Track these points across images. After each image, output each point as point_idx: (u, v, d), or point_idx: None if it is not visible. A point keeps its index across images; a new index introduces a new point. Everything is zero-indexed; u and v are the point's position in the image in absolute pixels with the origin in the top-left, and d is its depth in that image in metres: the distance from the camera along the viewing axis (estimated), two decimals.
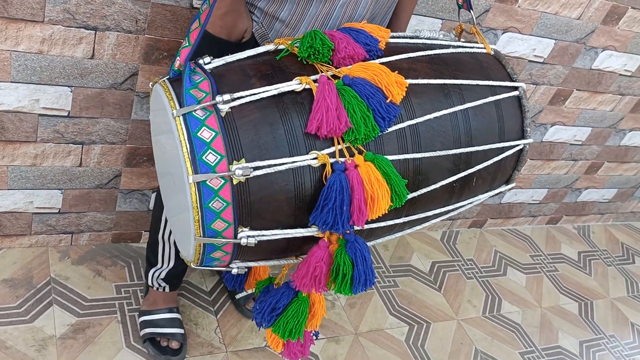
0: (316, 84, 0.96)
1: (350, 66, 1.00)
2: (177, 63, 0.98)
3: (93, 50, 1.38)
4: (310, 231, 0.99)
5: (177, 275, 1.64)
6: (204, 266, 1.02)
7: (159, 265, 1.60)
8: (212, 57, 1.01)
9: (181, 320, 1.66)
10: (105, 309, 1.67)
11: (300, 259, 1.09)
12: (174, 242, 1.54)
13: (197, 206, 0.91)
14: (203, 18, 0.98)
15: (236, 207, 0.92)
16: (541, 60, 2.02)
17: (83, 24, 1.32)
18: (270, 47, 1.05)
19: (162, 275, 1.60)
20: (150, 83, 1.07)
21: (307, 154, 0.95)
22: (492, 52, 1.20)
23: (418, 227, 1.16)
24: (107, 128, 1.55)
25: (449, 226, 2.49)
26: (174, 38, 1.44)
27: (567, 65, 2.08)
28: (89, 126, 1.53)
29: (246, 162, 0.92)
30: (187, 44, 0.98)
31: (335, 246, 1.00)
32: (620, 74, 2.26)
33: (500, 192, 1.23)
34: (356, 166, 0.95)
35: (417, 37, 1.17)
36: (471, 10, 1.21)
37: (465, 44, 1.17)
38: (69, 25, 1.31)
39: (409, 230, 1.16)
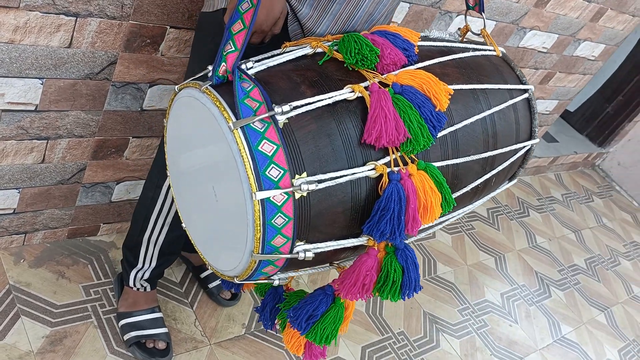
0: (368, 92, 0.92)
1: (396, 73, 0.96)
2: (222, 69, 0.88)
3: (71, 39, 1.20)
4: (361, 240, 0.96)
5: (160, 274, 1.53)
6: (249, 281, 0.96)
7: (140, 265, 1.48)
8: (254, 61, 0.92)
9: (163, 319, 1.56)
10: (78, 314, 1.52)
11: (335, 265, 1.06)
12: (161, 244, 1.43)
13: (259, 223, 0.84)
14: (247, 19, 0.88)
15: (296, 221, 0.87)
16: (545, 50, 2.14)
17: (64, 9, 1.14)
18: (307, 50, 0.98)
19: (146, 276, 1.49)
20: (177, 87, 0.96)
21: (364, 164, 0.91)
22: (501, 54, 1.21)
23: (437, 227, 1.17)
24: (76, 121, 1.38)
25: None
26: (159, 24, 1.30)
27: (559, 53, 2.22)
28: (57, 120, 1.34)
29: (308, 176, 0.86)
30: (234, 49, 0.88)
31: (382, 254, 0.98)
32: (539, 51, 2.42)
33: (503, 189, 1.27)
34: (410, 175, 0.93)
35: (429, 39, 1.15)
36: (483, 13, 1.21)
37: (478, 47, 1.17)
38: (48, 11, 1.13)
39: (430, 231, 1.16)
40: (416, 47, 1.03)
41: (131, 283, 1.51)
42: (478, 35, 1.25)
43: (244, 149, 0.82)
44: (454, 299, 2.29)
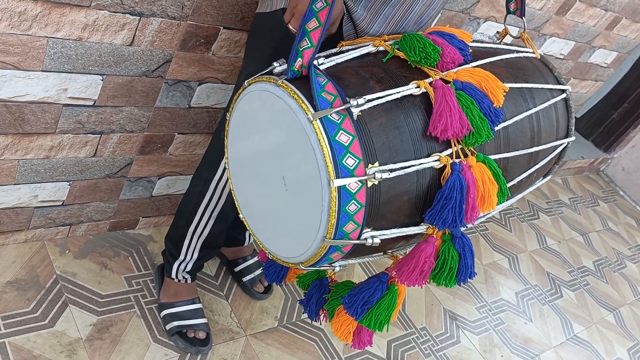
0: (432, 88, 0.96)
1: (455, 70, 1.01)
2: (298, 63, 0.92)
3: (133, 37, 1.24)
4: (422, 228, 1.00)
5: (201, 266, 1.56)
6: (314, 267, 1.00)
7: (182, 257, 1.51)
8: (324, 57, 0.96)
9: (203, 310, 1.59)
10: (122, 303, 1.55)
11: (388, 254, 1.10)
12: (205, 237, 1.47)
13: (335, 210, 0.88)
14: (323, 17, 0.93)
15: (367, 209, 0.91)
16: (562, 57, 2.22)
17: (130, 9, 1.18)
18: (370, 48, 1.02)
19: (188, 268, 1.52)
20: (247, 81, 1.00)
21: (429, 156, 0.95)
22: (539, 57, 1.26)
23: (480, 220, 1.22)
24: (129, 116, 1.42)
25: None
26: (213, 25, 1.34)
27: (575, 60, 2.29)
28: (112, 115, 1.38)
29: (380, 165, 0.90)
30: (309, 45, 0.92)
31: (439, 242, 1.02)
32: (557, 57, 2.48)
33: (538, 186, 1.32)
34: (470, 167, 0.97)
35: (475, 41, 1.20)
36: (524, 18, 1.26)
37: (520, 48, 1.22)
38: (115, 10, 1.17)
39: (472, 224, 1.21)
40: (470, 48, 1.07)
41: (173, 275, 1.54)
42: (516, 38, 1.30)
43: (323, 139, 0.87)
44: (472, 297, 2.34)
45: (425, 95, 0.97)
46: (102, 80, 1.28)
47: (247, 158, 1.07)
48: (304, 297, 1.20)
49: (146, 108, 1.42)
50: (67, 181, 1.47)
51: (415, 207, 0.97)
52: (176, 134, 1.56)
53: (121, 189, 1.61)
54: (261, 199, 1.07)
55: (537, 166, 1.18)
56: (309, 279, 1.23)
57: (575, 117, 3.71)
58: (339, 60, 0.99)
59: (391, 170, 0.90)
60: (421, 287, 1.12)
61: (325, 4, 0.93)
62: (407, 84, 0.96)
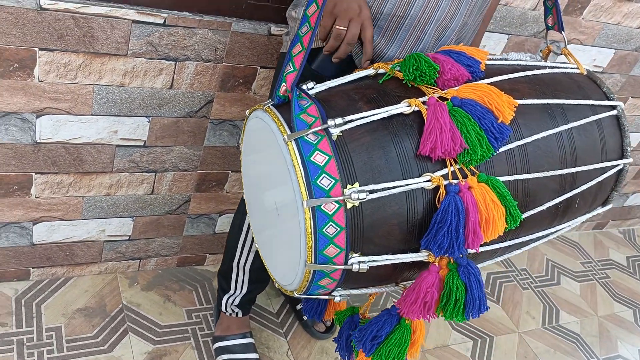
0: (425, 106, 0.90)
1: (457, 87, 0.94)
2: (282, 89, 0.92)
3: (172, 81, 1.33)
4: (420, 256, 0.91)
5: (251, 300, 1.57)
6: (307, 294, 0.95)
7: (232, 291, 1.53)
8: (314, 83, 0.95)
9: (255, 345, 1.59)
10: (179, 334, 1.60)
11: (401, 285, 1.02)
12: (250, 270, 1.48)
13: (310, 232, 0.84)
14: (306, 41, 0.92)
15: (349, 232, 0.86)
16: (600, 69, 1.96)
17: (164, 55, 1.28)
18: (370, 71, 0.99)
19: (236, 302, 1.54)
20: (248, 111, 1.01)
21: (420, 176, 0.88)
22: (585, 72, 1.13)
23: (519, 251, 1.09)
24: (180, 155, 1.50)
25: None
26: (250, 65, 1.39)
27: (624, 73, 2.02)
28: (163, 154, 1.48)
29: (360, 186, 0.85)
30: (292, 69, 0.92)
31: (445, 271, 0.92)
32: None
33: (598, 214, 1.15)
34: (469, 188, 0.88)
35: (503, 59, 1.11)
36: (563, 32, 1.15)
37: (558, 64, 1.11)
38: (151, 57, 1.27)
39: (508, 255, 1.08)
40: (483, 64, 1.00)
41: (224, 308, 1.56)
42: (559, 54, 1.18)
43: (297, 159, 0.84)
44: (578, 351, 2.06)
45: (418, 114, 0.91)
46: (148, 121, 1.38)
47: (252, 186, 1.08)
48: None
49: (196, 147, 1.50)
50: (130, 217, 1.58)
51: (409, 232, 0.90)
52: (230, 172, 1.62)
53: (183, 226, 1.69)
54: (265, 226, 1.06)
55: (576, 191, 1.03)
56: (343, 316, 1.18)
57: None
58: (332, 85, 0.97)
59: (371, 191, 0.85)
60: (428, 321, 1.01)
61: (309, 27, 0.93)
62: (399, 103, 0.91)
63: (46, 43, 1.14)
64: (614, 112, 1.09)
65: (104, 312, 1.58)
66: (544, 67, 1.08)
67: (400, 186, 0.86)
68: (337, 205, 0.84)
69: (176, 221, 1.67)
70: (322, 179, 0.84)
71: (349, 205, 0.84)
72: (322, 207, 0.84)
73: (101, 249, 1.62)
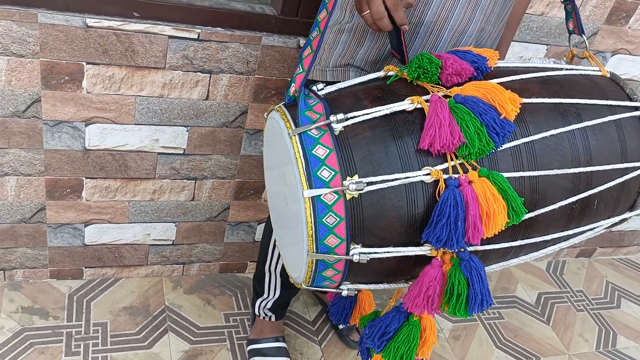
0: (427, 104, 0.92)
1: (462, 86, 0.96)
2: (292, 89, 0.98)
3: (208, 92, 1.43)
4: (423, 250, 0.92)
5: (283, 305, 1.61)
6: (314, 286, 0.98)
7: (265, 295, 1.57)
8: (325, 84, 1.00)
9: (287, 349, 1.62)
10: (216, 336, 1.66)
11: (411, 282, 1.03)
12: (280, 274, 1.52)
13: (311, 220, 0.88)
14: (315, 44, 0.98)
15: (349, 222, 0.88)
16: None
17: (199, 68, 1.37)
18: (380, 74, 1.03)
19: (269, 305, 1.58)
20: (266, 113, 1.07)
21: (420, 170, 0.90)
22: (609, 75, 1.11)
23: (535, 254, 1.06)
24: (217, 164, 1.58)
25: (555, 256, 2.32)
26: (281, 77, 1.46)
27: None
28: (202, 162, 1.57)
29: (360, 178, 0.88)
30: (301, 70, 0.97)
31: (448, 266, 0.93)
32: None
33: (624, 220, 1.11)
34: (470, 182, 0.89)
35: (525, 63, 1.11)
36: (583, 35, 1.14)
37: (578, 67, 1.09)
38: (187, 70, 1.37)
39: (524, 258, 1.06)
40: (491, 62, 1.01)
41: (257, 311, 1.61)
42: (582, 58, 1.16)
43: (299, 152, 0.89)
44: None
45: (421, 111, 0.93)
46: (187, 131, 1.48)
47: (270, 183, 1.13)
48: None
49: (232, 156, 1.58)
50: (173, 222, 1.68)
51: (410, 226, 0.91)
52: None
53: (224, 232, 1.77)
54: (280, 222, 1.11)
55: (592, 191, 1.00)
56: (367, 320, 1.20)
57: None
58: (342, 86, 1.01)
59: (370, 183, 0.87)
60: (433, 317, 1.01)
61: (318, 32, 0.98)
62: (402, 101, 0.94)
63: (92, 58, 1.26)
64: (637, 112, 1.06)
65: (147, 311, 1.67)
66: (560, 69, 1.07)
67: (399, 179, 0.88)
68: (337, 196, 0.87)
69: (217, 228, 1.75)
70: (323, 170, 0.88)
71: (348, 197, 0.87)
72: (321, 197, 0.87)
73: (147, 252, 1.72)
